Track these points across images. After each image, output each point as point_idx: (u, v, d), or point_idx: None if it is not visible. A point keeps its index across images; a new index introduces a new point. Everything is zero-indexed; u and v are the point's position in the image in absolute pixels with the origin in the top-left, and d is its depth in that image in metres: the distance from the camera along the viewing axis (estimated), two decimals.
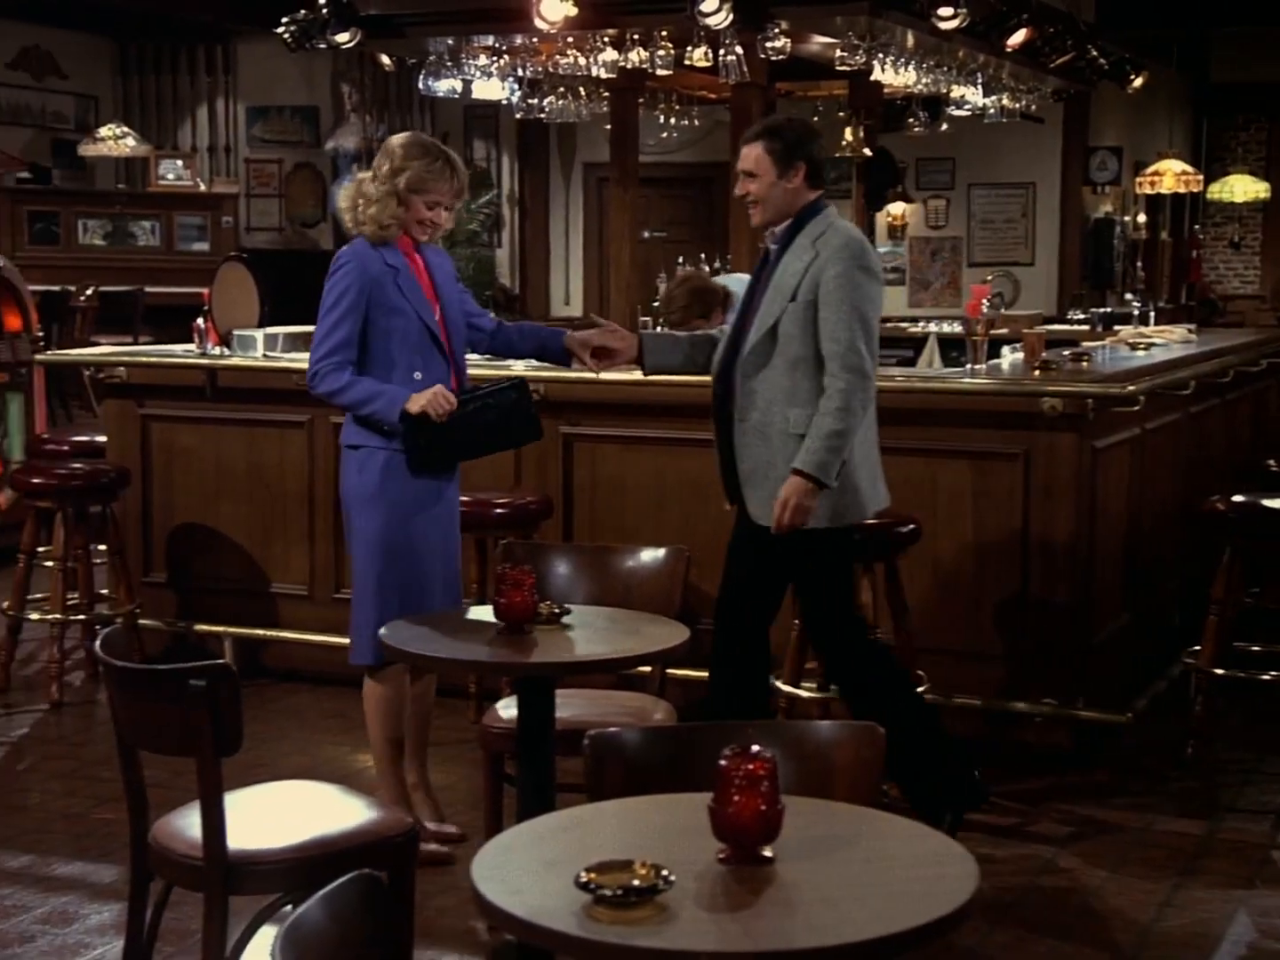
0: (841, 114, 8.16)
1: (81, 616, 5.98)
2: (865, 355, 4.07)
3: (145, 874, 3.13)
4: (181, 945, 3.67)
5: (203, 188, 12.39)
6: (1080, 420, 4.97)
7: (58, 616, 5.82)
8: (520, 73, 7.26)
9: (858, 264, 4.07)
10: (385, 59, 7.52)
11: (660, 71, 6.58)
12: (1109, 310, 10.11)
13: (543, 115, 7.89)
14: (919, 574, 5.10)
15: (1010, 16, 6.80)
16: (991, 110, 7.93)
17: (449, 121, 12.57)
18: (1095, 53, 7.52)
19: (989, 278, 11.41)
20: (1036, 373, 5.28)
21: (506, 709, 3.84)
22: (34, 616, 5.90)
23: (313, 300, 8.31)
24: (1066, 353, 5.96)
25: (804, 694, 4.85)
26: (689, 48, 6.35)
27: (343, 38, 6.54)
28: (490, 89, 7.54)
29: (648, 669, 4.06)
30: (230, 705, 2.94)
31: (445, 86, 7.21)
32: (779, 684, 4.89)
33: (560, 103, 7.76)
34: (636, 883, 2.11)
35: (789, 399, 4.05)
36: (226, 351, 6.23)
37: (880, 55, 6.50)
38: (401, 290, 4.11)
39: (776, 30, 6.07)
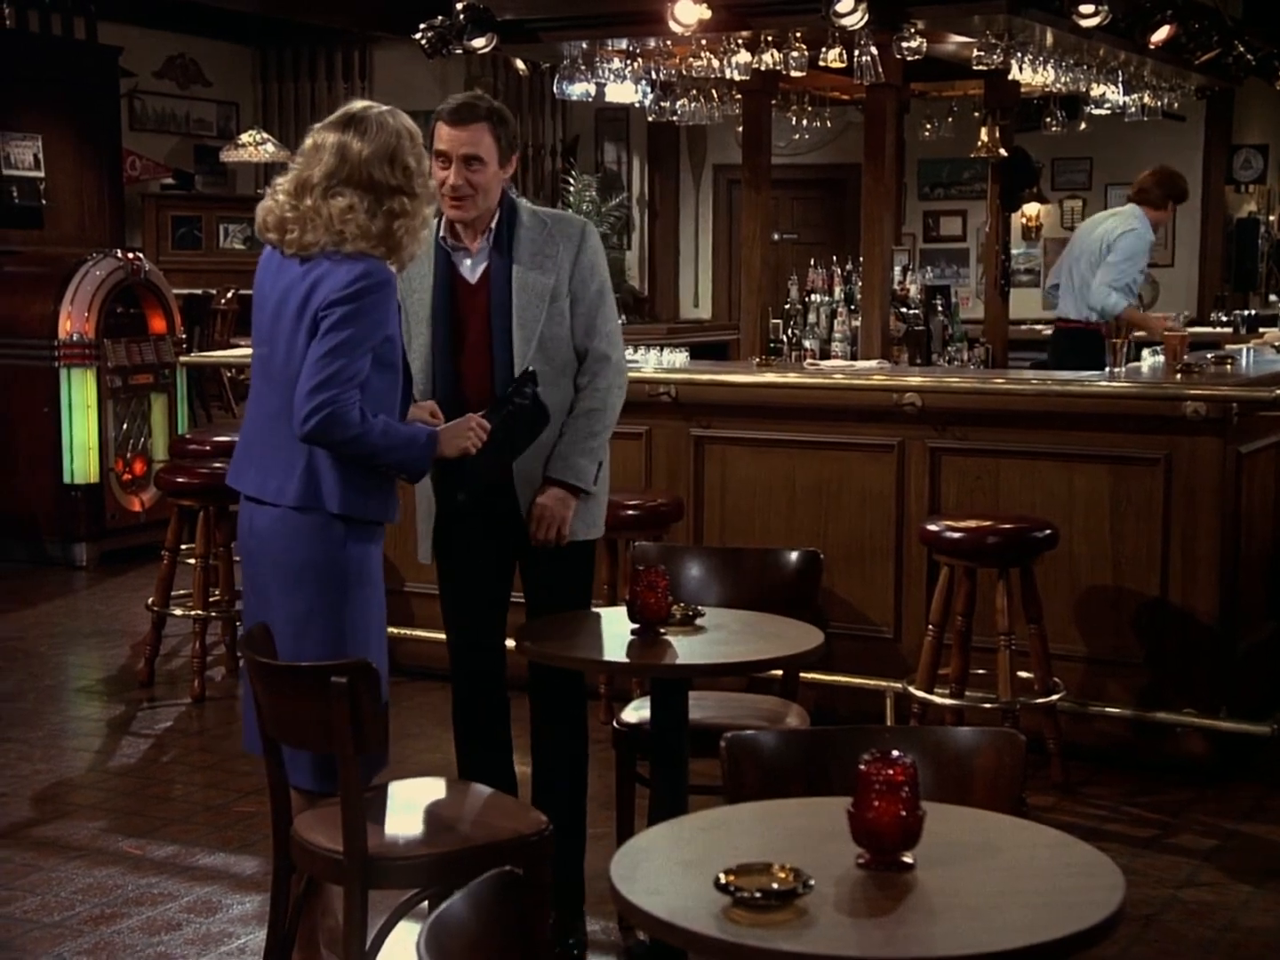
0: (977, 114, 8.04)
1: (222, 613, 6.11)
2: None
3: (287, 866, 3.19)
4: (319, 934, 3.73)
5: None
6: (1223, 424, 4.87)
7: (199, 612, 5.96)
8: (653, 75, 7.27)
9: None
10: (520, 63, 7.57)
11: (794, 73, 6.55)
12: (1252, 312, 9.88)
13: (675, 118, 7.90)
14: (1056, 580, 5.03)
15: (1154, 12, 6.66)
16: (1132, 109, 7.77)
17: (580, 125, 12.66)
18: (1242, 48, 7.35)
19: None
20: (1178, 376, 5.18)
21: (638, 710, 3.85)
22: (177, 612, 6.05)
23: None
24: (1209, 355, 5.84)
25: (937, 700, 4.80)
26: (823, 49, 6.31)
27: (479, 43, 6.61)
28: (623, 92, 7.56)
29: (779, 672, 4.05)
30: (370, 702, 2.98)
31: (579, 90, 7.25)
32: (913, 689, 4.85)
33: (692, 105, 7.76)
34: (776, 886, 2.11)
35: None
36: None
37: (1018, 54, 6.41)
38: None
39: (912, 30, 6.01)
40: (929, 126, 8.56)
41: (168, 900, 4.02)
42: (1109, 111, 7.93)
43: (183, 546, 6.16)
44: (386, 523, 3.41)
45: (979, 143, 7.84)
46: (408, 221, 3.27)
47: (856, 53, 6.26)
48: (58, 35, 9.75)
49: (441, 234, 3.71)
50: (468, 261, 3.71)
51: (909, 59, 6.25)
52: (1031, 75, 6.80)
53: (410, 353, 3.68)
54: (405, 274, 3.64)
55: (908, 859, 2.21)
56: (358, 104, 3.38)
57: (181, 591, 6.23)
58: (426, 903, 3.14)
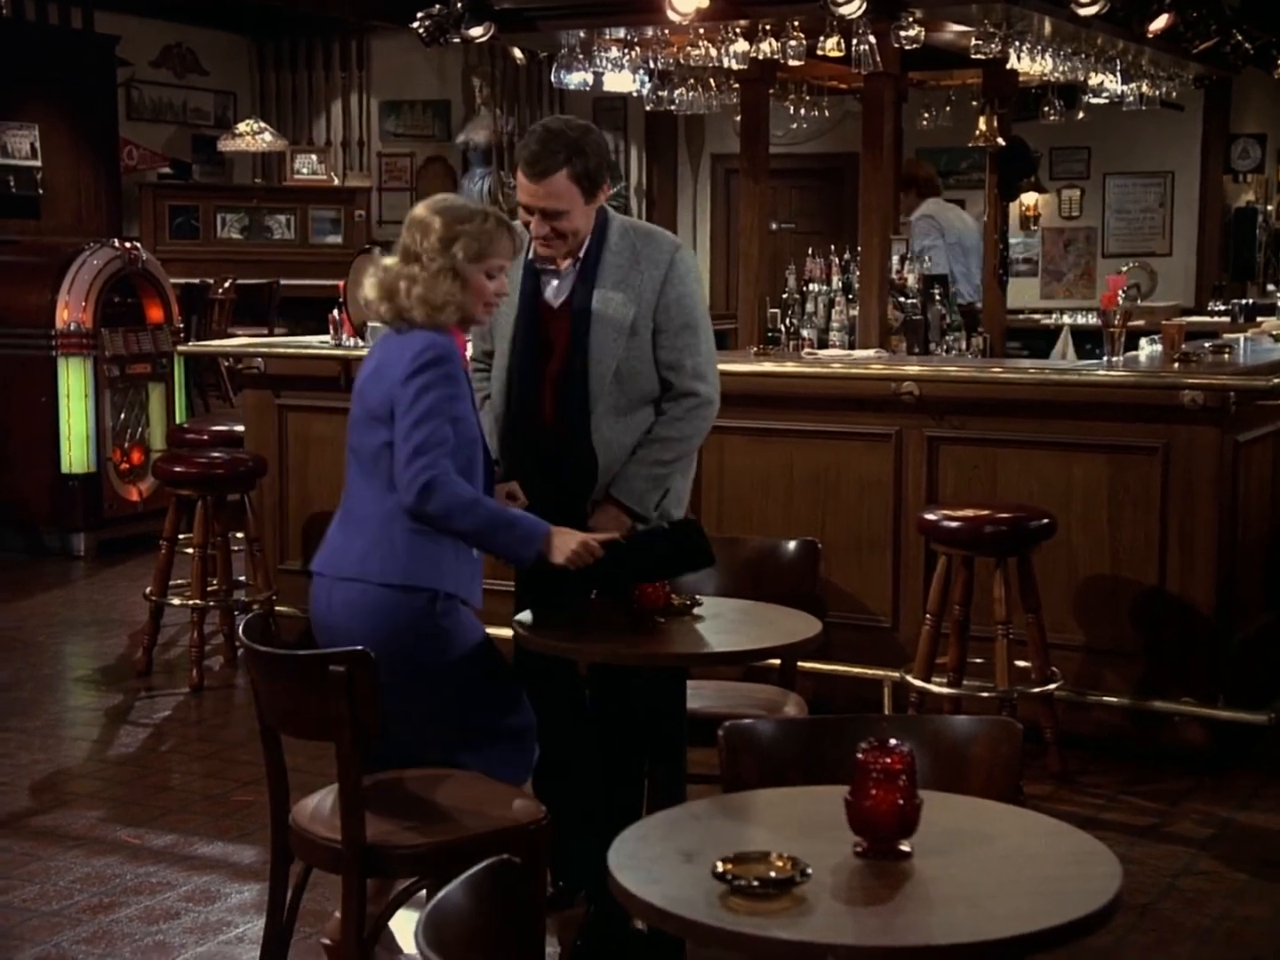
0: (975, 103, 8.02)
1: (220, 603, 6.11)
2: None
3: (285, 855, 3.20)
4: (320, 926, 3.73)
5: (336, 182, 12.58)
6: (1221, 414, 4.87)
7: (197, 602, 5.96)
8: (651, 65, 7.25)
9: None
10: (517, 52, 7.55)
11: (791, 62, 6.53)
12: (1250, 302, 9.87)
13: (673, 107, 7.87)
14: (1053, 570, 5.03)
15: (1152, 1, 6.64)
16: (1130, 98, 7.75)
17: (578, 114, 12.60)
18: (1240, 37, 7.34)
19: (1124, 269, 11.21)
20: (1176, 365, 5.18)
21: None
22: (175, 602, 6.05)
23: None
24: (1207, 345, 5.84)
25: (935, 689, 4.81)
26: (821, 38, 6.29)
27: (476, 32, 6.59)
28: (621, 81, 7.53)
29: (776, 661, 4.05)
30: (369, 691, 2.98)
31: (576, 79, 7.22)
32: (910, 679, 4.86)
33: (690, 94, 7.73)
34: (773, 874, 2.11)
35: None
36: (360, 343, 6.32)
37: (1016, 43, 6.38)
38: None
39: (910, 19, 5.99)
40: (927, 116, 8.53)
41: (166, 889, 4.03)
42: (1107, 101, 7.92)
43: (180, 536, 6.16)
44: (470, 605, 3.36)
45: (977, 132, 7.82)
46: (410, 282, 3.33)
47: (854, 41, 6.24)
48: (54, 24, 9.72)
49: (530, 255, 3.63)
50: (554, 283, 3.63)
51: (907, 48, 6.23)
52: (1030, 64, 6.78)
53: (493, 368, 3.72)
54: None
55: (905, 847, 2.22)
56: (458, 200, 3.49)
57: (179, 581, 6.23)
58: (425, 892, 3.15)
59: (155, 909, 3.91)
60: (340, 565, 3.32)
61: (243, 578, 6.29)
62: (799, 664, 4.25)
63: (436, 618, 3.26)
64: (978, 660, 4.89)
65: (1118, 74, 7.38)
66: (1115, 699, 5.04)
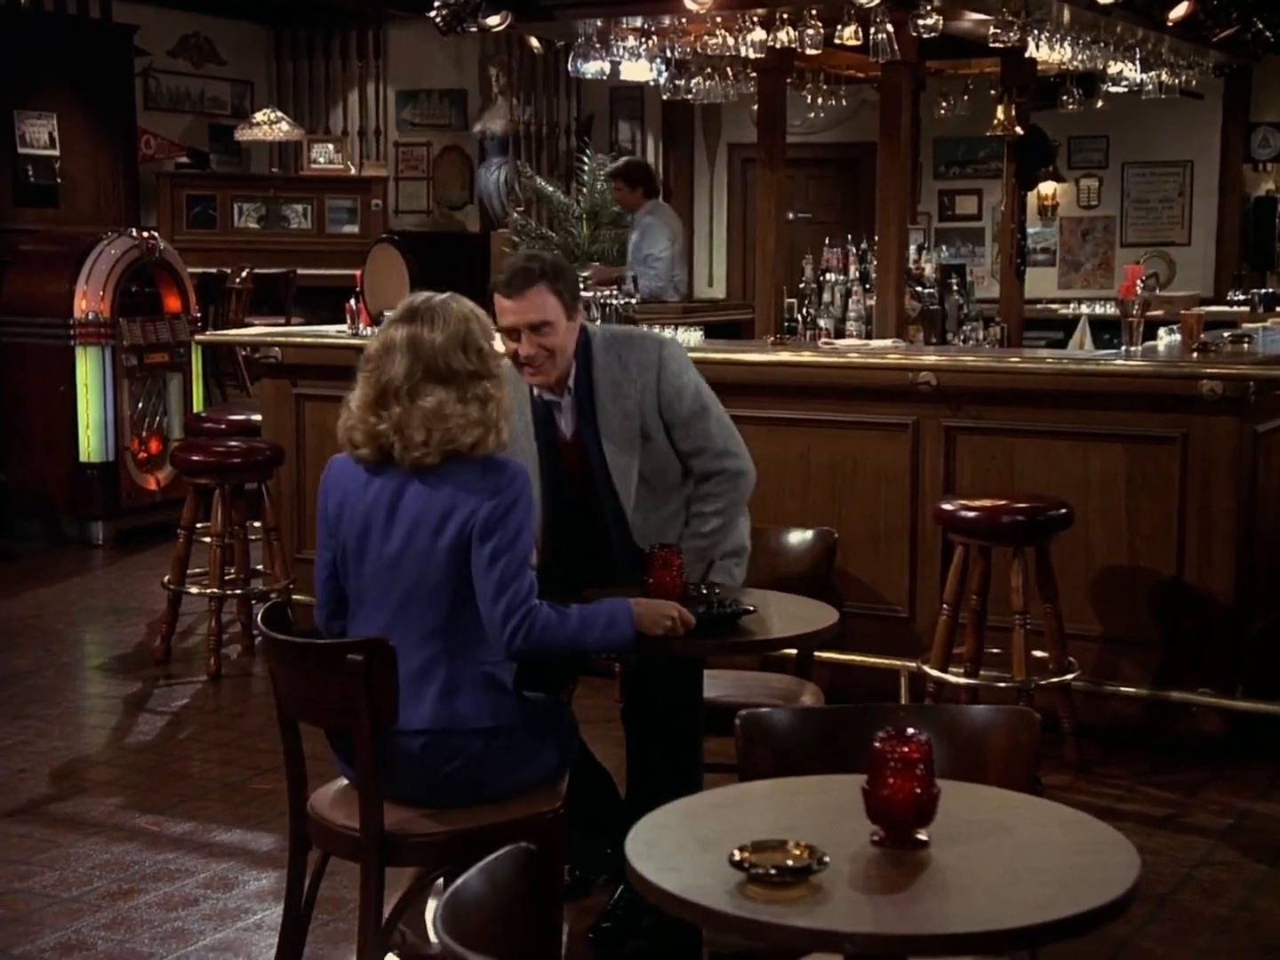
0: (993, 92, 8.00)
1: (238, 591, 6.13)
2: None
3: (304, 843, 3.21)
4: (338, 914, 3.75)
5: (353, 171, 12.59)
6: (1241, 403, 4.86)
7: (215, 591, 5.98)
8: (668, 53, 7.24)
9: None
10: (534, 41, 7.55)
11: (809, 51, 6.51)
12: (1270, 291, 9.83)
13: (690, 96, 7.86)
14: (1071, 559, 5.02)
15: None
16: (1149, 86, 7.72)
17: (595, 103, 12.62)
18: (1260, 25, 7.30)
19: (1143, 258, 11.17)
20: (1195, 354, 5.16)
21: None
22: (193, 591, 6.07)
23: (459, 282, 8.42)
24: (1226, 334, 5.82)
25: (952, 679, 4.81)
26: (838, 26, 6.27)
27: (493, 21, 6.58)
28: (638, 70, 7.53)
29: (792, 651, 4.05)
30: (386, 680, 2.99)
31: (593, 68, 7.21)
32: (927, 669, 4.85)
33: (707, 83, 7.72)
34: (791, 863, 2.12)
35: None
36: (376, 332, 6.32)
37: (1035, 31, 6.37)
38: None
39: (928, 7, 5.97)
40: (944, 105, 8.51)
41: (185, 876, 4.04)
42: (1126, 89, 7.89)
43: (198, 525, 6.18)
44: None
45: (995, 121, 7.80)
46: (497, 404, 3.15)
47: (872, 30, 6.22)
48: (72, 14, 9.74)
49: (536, 392, 3.67)
50: (562, 416, 3.69)
51: (925, 36, 6.21)
52: (1048, 53, 6.76)
53: None
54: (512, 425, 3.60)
55: (923, 836, 2.22)
56: (418, 297, 3.24)
57: (197, 570, 6.25)
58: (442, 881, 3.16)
59: (174, 895, 3.92)
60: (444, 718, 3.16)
61: (260, 566, 6.31)
62: (815, 654, 4.25)
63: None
64: (995, 650, 4.88)
65: (1137, 62, 7.36)
66: (1133, 689, 5.03)
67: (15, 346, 8.35)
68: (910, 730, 2.24)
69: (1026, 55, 6.88)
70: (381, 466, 3.16)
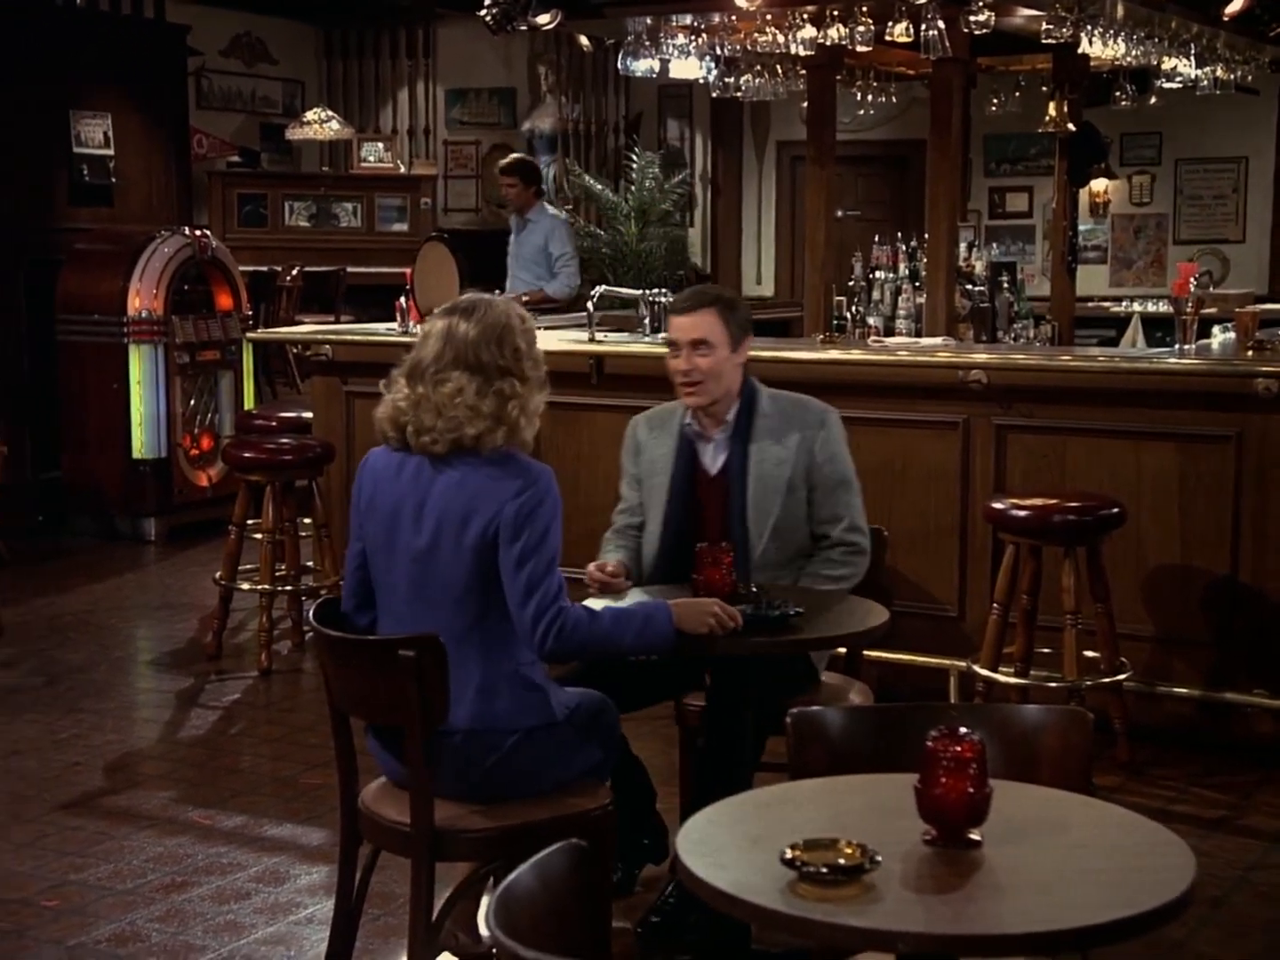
0: (1045, 88, 7.96)
1: (288, 587, 6.17)
2: None
3: (355, 838, 3.22)
4: (388, 908, 3.77)
5: (402, 170, 12.63)
6: None
7: (266, 587, 6.02)
8: (718, 51, 7.24)
9: None
10: (584, 40, 7.56)
11: (859, 48, 6.49)
12: None
13: (739, 94, 7.85)
14: (1123, 559, 4.99)
15: None
16: (1204, 82, 7.65)
17: (643, 101, 12.61)
18: None
19: (1196, 255, 11.07)
20: (1250, 353, 5.11)
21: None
22: (244, 586, 6.11)
23: (506, 280, 8.41)
24: None
25: (1002, 678, 4.78)
26: (889, 23, 6.26)
27: (543, 19, 6.59)
28: (687, 68, 7.52)
29: (842, 649, 4.05)
30: (438, 676, 3.00)
31: (643, 66, 7.21)
32: (977, 668, 4.83)
33: (757, 81, 7.71)
34: (842, 861, 2.11)
35: None
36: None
37: (1088, 27, 6.32)
38: None
39: (980, 3, 5.94)
40: (995, 101, 8.46)
41: (236, 870, 4.07)
42: (1180, 85, 7.82)
43: (249, 521, 6.22)
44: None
45: (1047, 117, 7.75)
46: (520, 404, 3.13)
47: (923, 27, 6.20)
48: (127, 14, 9.82)
49: (687, 420, 3.80)
50: (709, 450, 3.81)
51: (976, 33, 6.18)
52: (1101, 48, 6.71)
53: (645, 534, 3.82)
54: (647, 455, 3.81)
55: (975, 836, 2.21)
56: (469, 295, 3.29)
57: (248, 566, 6.30)
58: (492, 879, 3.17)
59: (226, 889, 3.95)
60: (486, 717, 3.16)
61: (310, 563, 6.35)
62: (864, 652, 4.24)
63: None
64: (1045, 650, 4.85)
65: (1191, 58, 7.29)
66: (1185, 690, 4.99)
67: (70, 344, 8.44)
68: (962, 729, 2.23)
69: (1079, 51, 6.83)
70: (408, 459, 3.17)
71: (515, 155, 9.03)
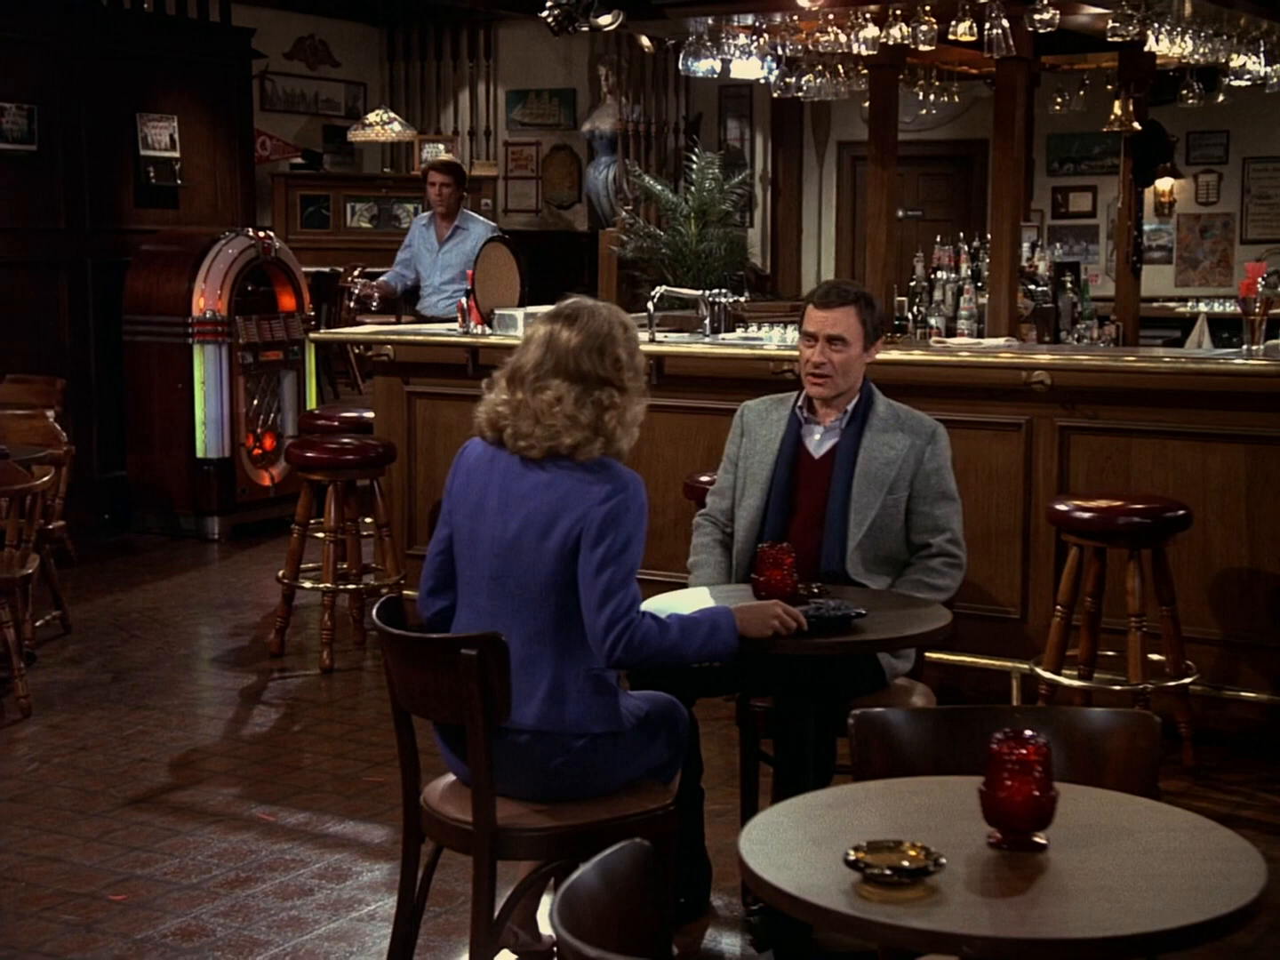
0: (1110, 87, 7.90)
1: (350, 586, 6.21)
2: None
3: (417, 835, 3.24)
4: (449, 906, 3.79)
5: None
6: None
7: (328, 585, 6.06)
8: (779, 51, 7.23)
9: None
10: (645, 41, 7.57)
11: (922, 47, 6.47)
12: None
13: (800, 94, 7.84)
14: (1189, 561, 4.94)
15: None
16: (1273, 80, 7.56)
17: (703, 102, 12.61)
18: None
19: (1264, 255, 10.93)
20: None
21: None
22: (306, 585, 6.16)
23: (568, 281, 8.41)
24: None
25: (1065, 681, 4.74)
26: (952, 22, 6.22)
27: (605, 20, 6.60)
28: (749, 68, 7.52)
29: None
30: (500, 675, 3.01)
31: (704, 66, 7.22)
32: (1040, 670, 4.79)
33: (818, 81, 7.70)
34: (906, 863, 2.10)
35: None
36: (487, 330, 6.38)
37: (1155, 24, 6.26)
38: None
39: (1045, 1, 5.90)
40: (1059, 100, 8.40)
41: (299, 866, 4.11)
42: (1249, 83, 7.73)
43: (312, 520, 6.27)
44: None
45: (1111, 116, 7.69)
46: (617, 414, 3.12)
47: (987, 26, 6.16)
48: (193, 18, 9.92)
49: (800, 404, 3.86)
50: (816, 436, 3.86)
51: (1041, 31, 6.13)
52: (1168, 46, 6.64)
53: (739, 509, 3.84)
54: (753, 435, 3.85)
55: (1040, 839, 2.19)
56: (571, 299, 3.25)
57: (310, 564, 6.34)
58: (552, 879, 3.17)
59: (289, 885, 3.99)
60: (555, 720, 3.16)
61: (371, 562, 6.39)
62: (925, 654, 4.22)
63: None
64: (1109, 653, 4.81)
65: (1260, 55, 7.20)
66: (1252, 694, 4.93)
67: (137, 345, 8.54)
68: (1028, 732, 2.21)
69: (1145, 49, 6.77)
70: (501, 453, 3.17)
71: (446, 154, 8.53)
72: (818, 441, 3.86)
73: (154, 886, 3.97)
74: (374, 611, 3.21)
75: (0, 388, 7.18)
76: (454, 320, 6.61)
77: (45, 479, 5.69)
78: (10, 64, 8.40)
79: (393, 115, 12.23)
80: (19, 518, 5.49)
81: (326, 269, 10.95)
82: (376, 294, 7.79)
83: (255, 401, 8.58)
